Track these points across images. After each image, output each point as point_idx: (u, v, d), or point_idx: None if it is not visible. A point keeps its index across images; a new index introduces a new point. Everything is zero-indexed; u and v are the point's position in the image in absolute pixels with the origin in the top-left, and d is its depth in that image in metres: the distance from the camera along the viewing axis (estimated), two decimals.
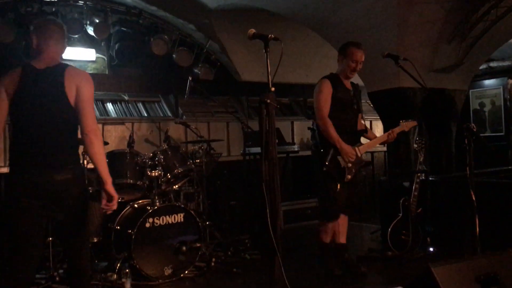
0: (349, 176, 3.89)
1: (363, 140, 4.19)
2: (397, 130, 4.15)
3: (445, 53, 5.55)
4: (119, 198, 4.58)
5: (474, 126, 3.11)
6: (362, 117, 4.22)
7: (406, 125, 4.23)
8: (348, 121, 3.98)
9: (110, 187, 2.75)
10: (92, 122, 2.70)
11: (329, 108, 3.90)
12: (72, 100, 2.68)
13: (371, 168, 8.10)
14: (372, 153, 8.17)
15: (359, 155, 3.94)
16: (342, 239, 4.16)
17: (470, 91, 8.73)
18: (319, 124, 3.96)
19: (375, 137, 4.28)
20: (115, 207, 2.82)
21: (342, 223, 4.12)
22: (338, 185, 3.88)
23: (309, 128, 7.64)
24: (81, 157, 4.36)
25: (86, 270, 2.90)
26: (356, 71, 4.03)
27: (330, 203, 3.94)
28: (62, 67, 2.74)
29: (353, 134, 4.03)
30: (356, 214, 7.13)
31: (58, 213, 2.71)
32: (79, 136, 2.79)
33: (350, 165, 3.88)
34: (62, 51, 2.90)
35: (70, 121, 2.73)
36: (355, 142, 3.99)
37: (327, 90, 3.92)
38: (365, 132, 4.22)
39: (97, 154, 2.71)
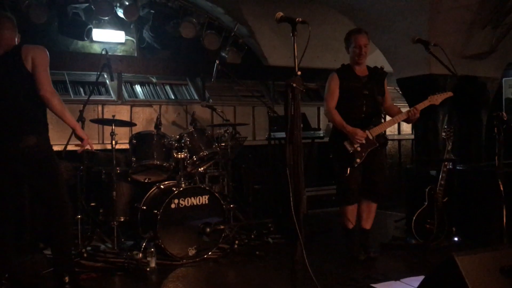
0: (358, 160, 3.94)
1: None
2: (421, 106, 3.98)
3: (478, 40, 5.40)
4: (145, 179, 4.71)
5: (505, 115, 3.03)
6: (383, 100, 4.14)
7: (436, 99, 4.01)
8: (357, 108, 4.04)
9: (79, 132, 3.29)
10: (47, 85, 3.13)
11: (336, 100, 4.07)
12: (29, 68, 3.08)
13: (398, 156, 8.02)
14: (399, 140, 8.07)
15: (370, 137, 3.95)
16: (365, 225, 4.19)
17: (504, 79, 8.48)
18: (327, 117, 4.25)
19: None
20: (87, 146, 3.36)
21: (363, 208, 4.17)
22: (348, 169, 3.95)
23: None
24: (109, 137, 4.50)
25: (65, 235, 3.30)
26: (362, 55, 4.06)
27: (343, 187, 4.09)
28: (18, 47, 3.18)
29: (365, 120, 4.03)
30: (382, 202, 7.12)
31: (30, 177, 3.20)
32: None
33: (359, 149, 3.93)
34: (16, 37, 3.28)
35: (32, 93, 3.13)
36: (366, 127, 3.98)
37: (333, 85, 4.09)
38: (380, 117, 4.18)
39: (59, 111, 3.14)
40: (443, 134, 4.69)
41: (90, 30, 5.86)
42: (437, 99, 4.02)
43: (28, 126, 3.15)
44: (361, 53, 4.05)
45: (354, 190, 4.06)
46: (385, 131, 4.16)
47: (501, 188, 3.01)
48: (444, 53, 3.64)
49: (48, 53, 3.22)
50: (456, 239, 4.52)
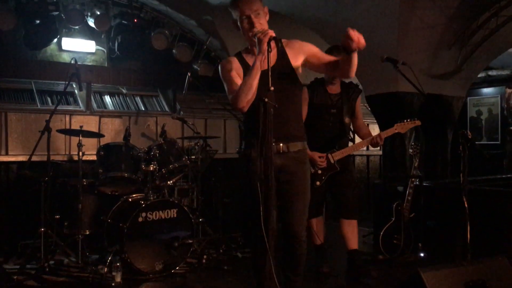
0: (318, 183, 3.92)
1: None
2: (385, 134, 4.02)
3: (444, 59, 5.57)
4: (113, 191, 4.60)
5: (470, 133, 3.11)
6: (350, 121, 4.09)
7: (402, 127, 4.05)
8: (323, 127, 4.00)
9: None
10: None
11: (304, 117, 3.86)
12: None
13: (366, 171, 8.14)
14: (367, 156, 8.19)
15: (332, 161, 3.93)
16: (351, 245, 4.11)
17: (468, 98, 8.77)
18: None
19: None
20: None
21: (344, 228, 4.09)
22: None
23: None
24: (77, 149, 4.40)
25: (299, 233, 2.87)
26: (334, 79, 3.99)
27: None
28: None
29: (330, 140, 4.00)
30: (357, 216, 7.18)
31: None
32: None
33: (319, 172, 3.91)
34: None
35: None
36: (330, 149, 3.96)
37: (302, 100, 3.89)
38: (347, 138, 4.11)
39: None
40: (410, 150, 4.79)
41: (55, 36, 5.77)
42: (403, 127, 4.04)
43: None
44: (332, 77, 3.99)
45: (312, 204, 3.88)
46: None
47: (466, 205, 3.07)
48: (412, 71, 3.71)
49: None
50: (422, 254, 4.59)
